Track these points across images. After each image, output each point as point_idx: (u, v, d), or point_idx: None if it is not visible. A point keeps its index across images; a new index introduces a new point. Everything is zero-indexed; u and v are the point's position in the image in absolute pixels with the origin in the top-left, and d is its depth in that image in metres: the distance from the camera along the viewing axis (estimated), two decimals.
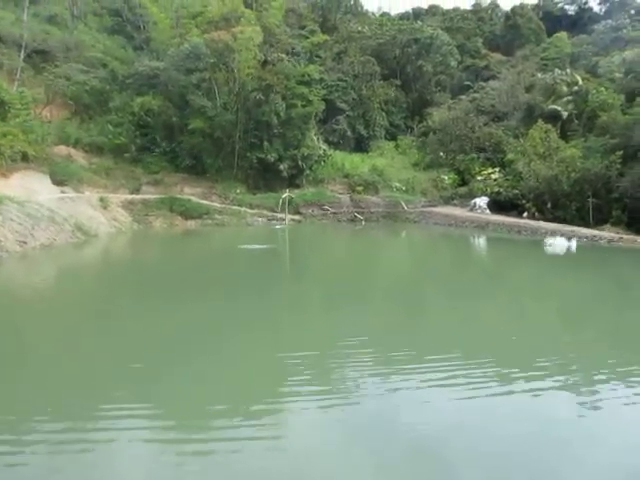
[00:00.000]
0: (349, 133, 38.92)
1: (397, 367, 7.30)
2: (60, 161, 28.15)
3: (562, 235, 22.33)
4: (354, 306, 11.42)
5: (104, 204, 25.83)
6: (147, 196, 28.82)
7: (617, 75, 33.70)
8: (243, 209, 29.93)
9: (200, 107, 30.96)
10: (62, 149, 29.84)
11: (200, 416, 5.87)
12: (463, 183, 34.24)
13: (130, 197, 28.36)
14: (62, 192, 25.35)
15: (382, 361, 7.61)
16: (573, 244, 20.45)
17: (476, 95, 40.37)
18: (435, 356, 7.79)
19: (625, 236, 21.14)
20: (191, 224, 28.02)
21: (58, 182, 26.25)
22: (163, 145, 31.95)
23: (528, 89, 37.09)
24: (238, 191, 31.35)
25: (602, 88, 32.00)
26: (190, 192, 30.48)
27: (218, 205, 29.83)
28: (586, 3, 61.63)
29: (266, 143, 31.60)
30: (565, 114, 32.06)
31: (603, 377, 7.05)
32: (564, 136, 30.63)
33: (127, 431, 5.45)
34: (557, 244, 20.46)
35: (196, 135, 31.18)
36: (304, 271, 16.98)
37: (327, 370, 7.21)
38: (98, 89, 33.35)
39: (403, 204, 32.59)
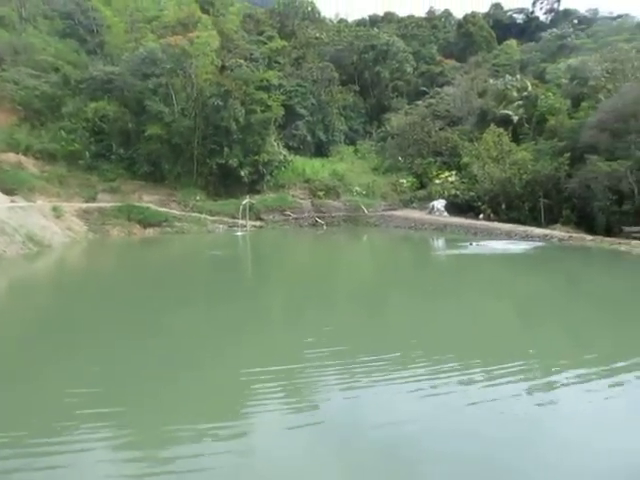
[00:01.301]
0: (309, 138, 39.13)
1: (362, 372, 7.34)
2: (9, 169, 27.13)
3: (516, 235, 23.19)
4: (319, 311, 11.49)
5: (57, 213, 25.00)
6: (103, 204, 28.08)
7: (563, 81, 35.23)
8: (203, 216, 29.58)
9: (157, 113, 30.48)
10: (11, 156, 28.74)
11: (163, 433, 5.71)
12: (421, 186, 34.99)
13: (85, 206, 27.56)
14: (12, 201, 24.38)
15: (348, 367, 7.60)
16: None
17: (432, 100, 41.37)
18: (399, 358, 7.90)
19: (574, 235, 22.06)
20: (150, 232, 27.47)
21: (7, 191, 25.26)
22: (119, 152, 31.26)
23: (481, 94, 38.28)
24: (198, 198, 30.99)
25: (550, 93, 33.44)
26: (148, 199, 29.90)
27: (177, 212, 29.38)
28: (533, 12, 64.27)
29: (226, 149, 31.39)
30: (516, 118, 33.26)
31: (561, 376, 7.18)
32: (515, 139, 31.76)
33: (86, 452, 5.25)
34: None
35: (154, 141, 30.64)
36: (266, 278, 16.92)
37: (292, 378, 7.17)
38: (49, 94, 32.33)
39: (364, 208, 32.98)
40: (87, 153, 30.77)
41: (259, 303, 12.45)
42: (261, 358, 8.02)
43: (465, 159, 32.39)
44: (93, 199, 29.07)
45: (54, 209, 25.10)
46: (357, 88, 44.74)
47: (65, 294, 13.82)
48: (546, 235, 22.36)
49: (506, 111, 33.72)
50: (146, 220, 27.80)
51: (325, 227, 31.41)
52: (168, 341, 8.96)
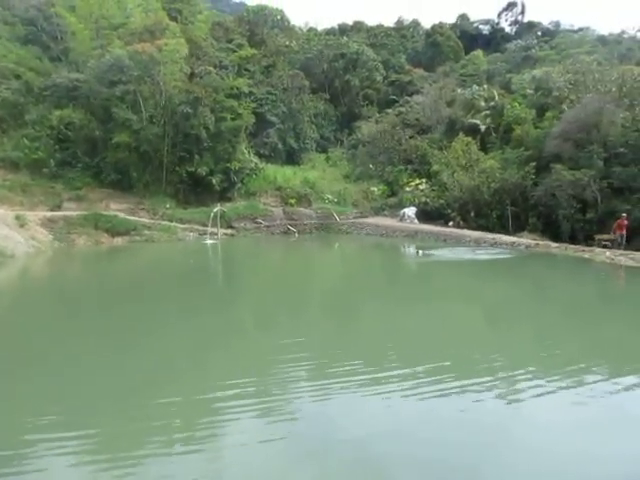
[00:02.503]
0: (280, 146, 39.09)
1: (336, 382, 7.29)
2: None
3: (485, 242, 23.59)
4: (292, 321, 11.40)
5: (21, 222, 24.18)
6: (69, 213, 27.29)
7: (528, 91, 36.17)
8: (173, 224, 29.09)
9: (125, 120, 29.89)
10: None
11: (132, 448, 5.56)
12: (392, 194, 35.33)
13: (50, 214, 26.73)
14: None
15: (318, 374, 7.61)
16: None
17: (402, 109, 41.90)
18: (370, 363, 7.91)
19: (541, 242, 22.58)
20: (118, 241, 26.85)
21: None
22: (86, 160, 30.56)
23: (449, 104, 38.97)
24: (168, 206, 30.49)
25: (516, 103, 34.26)
26: (116, 208, 29.26)
27: (147, 221, 28.81)
28: (498, 24, 65.93)
29: (196, 157, 31.04)
30: (483, 127, 33.97)
31: (529, 382, 7.27)
32: (483, 148, 32.42)
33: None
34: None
35: (121, 149, 30.02)
36: (238, 288, 16.72)
37: (263, 387, 7.11)
38: (11, 101, 31.37)
39: (335, 215, 33.07)
40: (52, 161, 29.93)
41: (231, 313, 12.26)
42: (234, 371, 7.90)
43: (435, 167, 32.88)
44: (58, 208, 28.28)
45: (17, 218, 24.28)
46: (327, 96, 45.01)
47: (28, 306, 13.32)
48: (514, 242, 22.83)
49: (474, 120, 34.42)
50: (114, 229, 27.15)
51: (297, 235, 31.34)
52: (136, 355, 8.73)
